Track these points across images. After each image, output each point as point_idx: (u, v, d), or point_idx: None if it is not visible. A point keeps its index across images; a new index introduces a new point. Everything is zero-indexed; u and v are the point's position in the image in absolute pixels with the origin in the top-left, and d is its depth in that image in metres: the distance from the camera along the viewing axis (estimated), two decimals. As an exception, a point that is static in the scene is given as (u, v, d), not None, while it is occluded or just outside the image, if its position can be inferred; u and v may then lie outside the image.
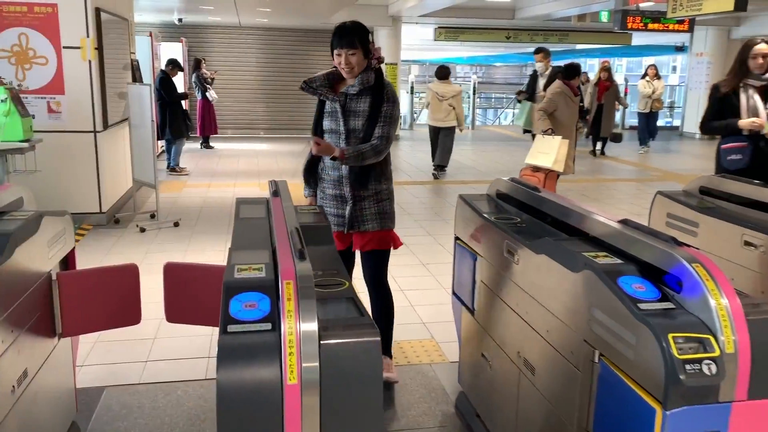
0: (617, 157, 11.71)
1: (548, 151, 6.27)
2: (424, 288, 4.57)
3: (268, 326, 1.42)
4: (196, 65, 11.81)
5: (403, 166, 10.43)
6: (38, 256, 2.27)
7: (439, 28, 15.36)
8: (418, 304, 4.25)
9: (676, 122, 17.38)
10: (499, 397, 2.51)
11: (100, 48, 6.16)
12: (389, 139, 2.89)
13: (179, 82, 10.10)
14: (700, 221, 2.78)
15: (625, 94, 15.94)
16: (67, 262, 2.60)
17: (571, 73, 6.80)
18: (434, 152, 9.34)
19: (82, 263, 2.76)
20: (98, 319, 2.50)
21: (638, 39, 16.82)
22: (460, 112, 9.02)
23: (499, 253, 2.40)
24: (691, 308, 1.58)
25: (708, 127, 4.10)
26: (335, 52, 2.86)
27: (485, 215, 2.60)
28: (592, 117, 11.42)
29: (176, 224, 6.28)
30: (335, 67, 2.94)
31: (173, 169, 9.41)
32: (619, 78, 16.22)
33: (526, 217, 2.55)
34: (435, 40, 15.44)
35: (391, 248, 3.09)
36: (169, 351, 3.53)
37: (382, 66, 3.00)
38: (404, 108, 16.70)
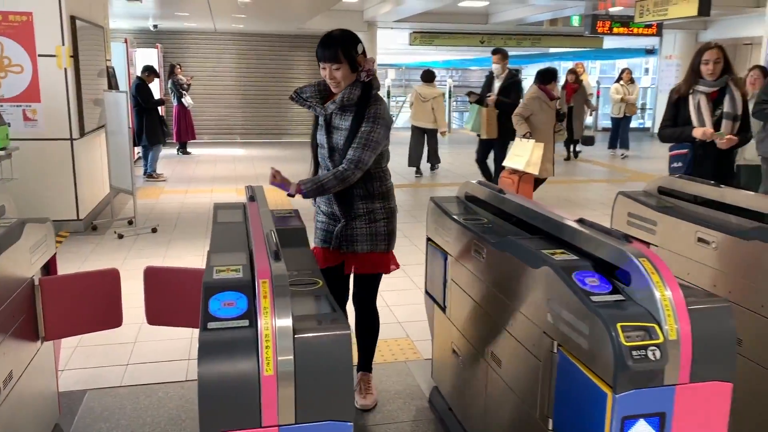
0: (591, 159, 11.95)
1: (522, 154, 6.45)
2: (400, 289, 4.68)
3: (245, 323, 1.51)
4: (171, 71, 11.82)
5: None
6: (21, 262, 2.33)
7: (414, 33, 15.53)
8: (395, 305, 4.35)
9: (648, 123, 17.75)
10: (469, 390, 2.63)
11: (75, 56, 6.18)
12: (359, 164, 2.62)
13: (155, 88, 10.12)
14: (658, 220, 2.93)
15: (598, 96, 16.25)
16: (49, 267, 2.67)
17: (547, 77, 6.85)
18: (412, 153, 9.84)
19: (61, 270, 2.82)
20: (80, 322, 2.57)
21: (610, 42, 17.15)
22: (439, 114, 9.36)
23: (468, 252, 2.52)
24: (639, 299, 1.71)
25: (662, 134, 4.16)
26: (320, 64, 2.66)
27: (454, 216, 2.72)
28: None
29: (154, 230, 6.32)
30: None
31: (150, 175, 9.42)
32: (591, 80, 16.51)
33: (493, 218, 2.67)
34: (410, 44, 15.62)
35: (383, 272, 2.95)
36: (150, 354, 3.59)
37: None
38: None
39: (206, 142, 14.24)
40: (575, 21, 12.60)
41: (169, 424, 2.87)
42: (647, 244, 2.99)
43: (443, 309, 2.88)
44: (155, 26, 13.44)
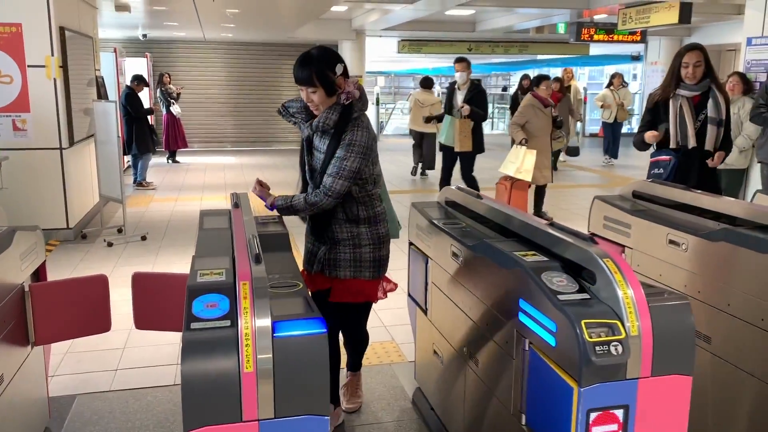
0: (581, 166, 12.07)
1: (514, 161, 6.55)
2: (386, 293, 4.75)
3: (227, 323, 1.59)
4: (160, 80, 11.88)
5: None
6: (11, 269, 2.40)
7: (403, 41, 15.66)
8: (380, 309, 4.41)
9: (636, 128, 17.92)
10: (449, 389, 2.71)
11: (64, 66, 6.24)
12: (330, 192, 2.51)
13: (145, 97, 10.18)
14: (632, 223, 3.03)
15: (585, 103, 16.41)
16: (39, 273, 2.73)
17: (536, 82, 6.99)
18: (415, 154, 10.47)
19: (51, 278, 2.88)
20: (70, 327, 2.63)
21: (596, 49, 17.34)
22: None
23: (446, 255, 2.61)
24: (603, 298, 1.79)
25: (633, 141, 4.14)
26: (298, 86, 2.54)
27: (434, 221, 2.81)
28: None
29: (144, 238, 6.37)
30: None
31: (140, 183, 9.47)
32: (580, 86, 16.67)
33: (471, 222, 2.76)
34: (399, 52, 15.73)
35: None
36: (139, 360, 3.65)
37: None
38: (371, 119, 16.93)
39: (196, 151, 14.28)
40: (561, 28, 12.75)
41: (157, 427, 2.93)
42: (622, 246, 3.09)
43: (425, 311, 2.96)
44: (144, 35, 13.50)
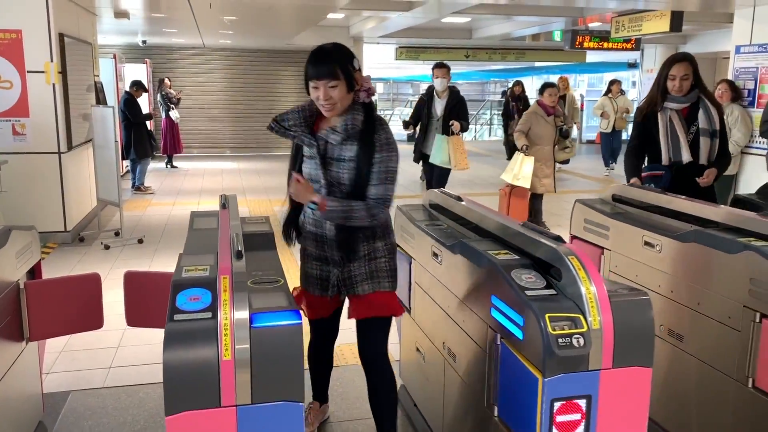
0: (578, 172, 12.17)
1: (514, 168, 6.61)
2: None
3: (208, 315, 1.68)
4: (161, 84, 12.01)
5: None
6: (7, 267, 2.49)
7: (400, 47, 15.80)
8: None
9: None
10: (430, 385, 2.80)
11: (63, 71, 6.35)
12: (387, 202, 2.33)
13: (144, 102, 10.29)
14: (610, 225, 3.12)
15: (582, 110, 16.54)
16: (34, 272, 2.82)
17: (541, 89, 6.82)
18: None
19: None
20: (63, 324, 2.72)
21: (593, 56, 17.47)
22: None
23: (428, 255, 2.70)
24: (568, 293, 1.88)
25: (625, 163, 3.80)
26: (311, 84, 2.28)
27: (418, 223, 2.90)
28: None
29: (140, 241, 6.46)
30: (310, 102, 2.40)
31: (138, 188, 9.57)
32: (576, 94, 16.79)
33: (453, 223, 2.85)
34: (396, 59, 15.87)
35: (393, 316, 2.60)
36: (132, 358, 3.74)
37: (374, 98, 2.46)
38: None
39: (195, 156, 14.40)
40: (557, 36, 12.88)
41: (149, 422, 3.01)
42: (601, 248, 3.18)
43: (408, 311, 3.05)
44: (144, 42, 13.64)
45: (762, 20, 6.80)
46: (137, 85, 9.64)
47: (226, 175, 11.55)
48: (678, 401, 2.72)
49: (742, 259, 2.33)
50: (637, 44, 12.55)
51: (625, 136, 14.54)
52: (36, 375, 2.88)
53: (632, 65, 17.76)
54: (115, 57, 10.54)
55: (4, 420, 2.47)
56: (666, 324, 2.75)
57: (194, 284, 1.81)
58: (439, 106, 6.63)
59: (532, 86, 20.60)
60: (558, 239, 2.05)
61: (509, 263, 2.07)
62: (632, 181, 3.66)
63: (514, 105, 11.57)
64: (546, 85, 6.78)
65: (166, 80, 12.13)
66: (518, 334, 1.90)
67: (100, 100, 8.24)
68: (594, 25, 11.31)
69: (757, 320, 2.27)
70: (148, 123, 9.89)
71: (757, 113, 6.55)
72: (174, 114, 11.88)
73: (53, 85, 6.17)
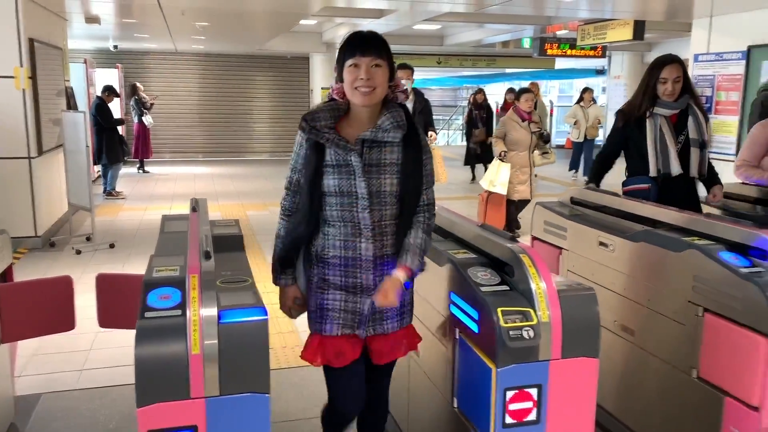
0: (550, 177, 12.40)
1: (490, 174, 6.71)
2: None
3: (178, 312, 1.76)
4: (133, 91, 11.97)
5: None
6: (-21, 270, 2.53)
7: (374, 53, 15.93)
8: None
9: (599, 140, 18.41)
10: (397, 384, 2.89)
11: (33, 77, 6.35)
12: (435, 209, 2.19)
13: (115, 107, 10.26)
14: (568, 227, 3.26)
15: (551, 115, 16.84)
16: (5, 275, 2.86)
17: (517, 95, 6.77)
18: None
19: (19, 279, 3.02)
20: (35, 326, 2.77)
21: (562, 63, 17.82)
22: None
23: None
24: (520, 289, 2.01)
25: (592, 169, 3.59)
26: (349, 62, 1.99)
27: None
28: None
29: (112, 246, 6.47)
30: (332, 98, 2.11)
31: (110, 193, 9.54)
32: (545, 101, 17.09)
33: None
34: (369, 65, 15.99)
35: None
36: (105, 360, 3.78)
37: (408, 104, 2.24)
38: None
39: (168, 161, 14.35)
40: (526, 43, 13.14)
41: (122, 422, 3.07)
42: (560, 248, 3.32)
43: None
44: (115, 47, 13.57)
45: (718, 30, 7.07)
46: (109, 90, 9.61)
47: (199, 180, 11.56)
48: (630, 393, 2.86)
49: (686, 257, 2.48)
50: (603, 51, 12.85)
51: (601, 141, 14.80)
52: (8, 377, 2.92)
53: (600, 72, 18.14)
54: (86, 62, 10.50)
55: (-23, 421, 2.51)
56: (619, 320, 2.89)
57: (164, 283, 1.89)
58: None
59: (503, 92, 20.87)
60: (513, 239, 2.17)
61: (467, 261, 2.19)
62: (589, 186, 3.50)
63: (477, 114, 11.19)
64: (522, 91, 6.74)
65: (139, 85, 12.10)
66: (474, 327, 2.02)
67: (71, 105, 8.21)
68: (562, 33, 11.57)
69: (700, 314, 2.42)
70: (119, 128, 9.87)
71: (715, 119, 6.80)
72: (147, 119, 11.85)
73: (23, 90, 6.16)
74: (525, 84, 14.04)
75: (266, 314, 1.75)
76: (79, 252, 6.22)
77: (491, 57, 16.78)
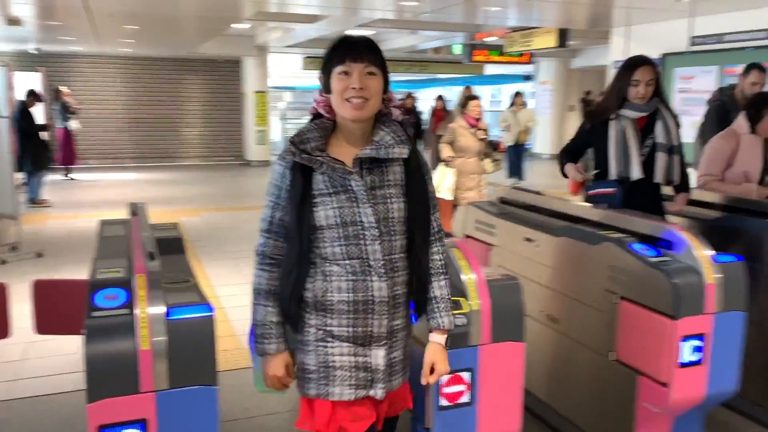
0: (490, 182, 12.71)
1: (435, 180, 6.77)
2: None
3: (126, 311, 1.81)
4: (56, 95, 11.59)
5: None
6: None
7: (308, 57, 15.96)
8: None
9: (529, 145, 19.07)
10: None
11: (-47, 81, 6.10)
12: (444, 235, 1.95)
13: (39, 112, 9.92)
14: (496, 224, 3.45)
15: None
16: (-64, 284, 2.80)
17: (464, 101, 6.63)
18: None
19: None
20: (-31, 334, 2.72)
21: (491, 69, 18.36)
22: None
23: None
24: (453, 281, 2.15)
25: (560, 165, 3.44)
26: (338, 69, 1.72)
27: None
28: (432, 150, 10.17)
29: (40, 255, 6.29)
30: (314, 115, 1.86)
31: (35, 201, 9.21)
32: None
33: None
34: (304, 69, 16.01)
35: None
36: (40, 369, 3.71)
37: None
38: (278, 136, 17.12)
39: (95, 167, 13.94)
40: (456, 49, 13.50)
41: (62, 428, 3.04)
42: (490, 245, 3.51)
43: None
44: (37, 49, 13.09)
45: (636, 38, 7.54)
46: (32, 95, 9.30)
47: (128, 187, 11.31)
48: (559, 379, 3.06)
49: (602, 250, 2.70)
50: (530, 58, 13.36)
51: (535, 145, 15.16)
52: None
53: (528, 78, 18.78)
54: (8, 66, 10.09)
55: None
56: (546, 310, 3.09)
57: (110, 284, 1.94)
58: None
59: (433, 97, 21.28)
60: (446, 235, 2.32)
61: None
62: (567, 166, 3.38)
63: (406, 119, 11.28)
64: (469, 98, 6.59)
65: (65, 89, 11.72)
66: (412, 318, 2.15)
67: (-8, 110, 7.90)
68: (490, 40, 11.96)
69: (616, 301, 2.64)
70: (44, 134, 9.55)
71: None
72: (74, 124, 11.50)
73: (-59, 94, 5.92)
74: (457, 89, 14.38)
75: (212, 311, 1.83)
76: (4, 262, 6.02)
77: (424, 63, 17.12)
